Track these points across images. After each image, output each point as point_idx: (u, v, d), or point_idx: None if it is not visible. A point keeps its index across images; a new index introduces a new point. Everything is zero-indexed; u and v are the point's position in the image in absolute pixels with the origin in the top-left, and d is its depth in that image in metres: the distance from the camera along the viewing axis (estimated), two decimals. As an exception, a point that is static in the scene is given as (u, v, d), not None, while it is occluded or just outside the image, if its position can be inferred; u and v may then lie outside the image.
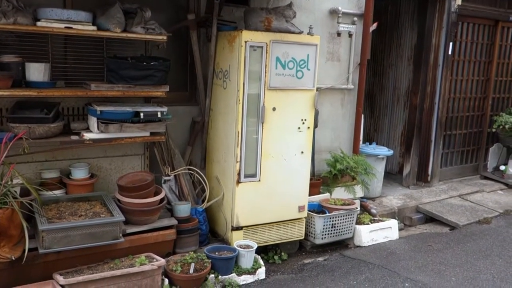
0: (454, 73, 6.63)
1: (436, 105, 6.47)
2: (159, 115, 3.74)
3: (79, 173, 3.73)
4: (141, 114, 3.65)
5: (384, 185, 6.18)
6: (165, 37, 3.71)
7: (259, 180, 4.09)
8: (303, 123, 4.21)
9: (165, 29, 3.79)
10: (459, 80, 6.73)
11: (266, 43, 3.88)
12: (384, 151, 5.95)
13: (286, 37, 3.98)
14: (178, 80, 4.47)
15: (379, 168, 5.85)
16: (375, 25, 5.45)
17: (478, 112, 7.15)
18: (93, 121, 3.58)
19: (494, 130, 7.06)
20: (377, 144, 6.31)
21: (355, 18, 5.25)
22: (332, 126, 5.46)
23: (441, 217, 5.58)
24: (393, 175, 6.95)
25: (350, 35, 5.23)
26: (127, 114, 3.64)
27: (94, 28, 3.43)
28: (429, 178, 6.64)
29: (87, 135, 3.55)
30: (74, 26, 3.33)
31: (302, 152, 4.26)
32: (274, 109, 4.04)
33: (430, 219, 5.75)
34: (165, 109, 3.79)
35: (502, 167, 7.04)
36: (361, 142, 5.69)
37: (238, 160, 3.97)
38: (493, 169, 7.31)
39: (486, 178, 7.19)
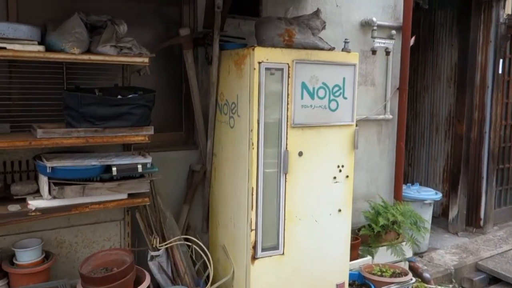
0: (505, 96, 5.52)
1: (487, 134, 5.36)
2: (140, 169, 2.64)
3: (27, 256, 2.60)
4: (114, 170, 2.56)
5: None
6: (146, 60, 2.64)
7: (283, 253, 2.95)
8: (340, 170, 3.09)
9: (150, 49, 2.73)
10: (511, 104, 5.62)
11: (288, 63, 2.81)
12: (431, 194, 4.79)
13: (314, 55, 2.90)
14: (170, 116, 3.41)
15: (426, 216, 4.67)
16: (412, 39, 4.39)
17: (534, 141, 6.00)
18: (43, 182, 2.48)
19: (554, 161, 5.89)
20: (418, 184, 5.15)
21: (393, 32, 4.18)
22: (368, 167, 4.33)
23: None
24: (435, 218, 5.73)
25: (387, 53, 4.16)
26: (92, 171, 2.54)
27: (41, 48, 2.36)
28: (481, 223, 5.46)
29: (34, 203, 2.44)
30: (9, 46, 2.27)
31: (340, 210, 3.13)
32: (300, 153, 2.93)
33: (493, 278, 4.55)
34: (148, 159, 2.69)
35: None
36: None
37: (253, 227, 2.83)
38: (553, 208, 6.09)
39: (547, 219, 5.98)
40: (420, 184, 5.44)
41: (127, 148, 2.98)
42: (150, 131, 2.67)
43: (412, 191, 4.78)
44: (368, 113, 4.22)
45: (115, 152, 2.81)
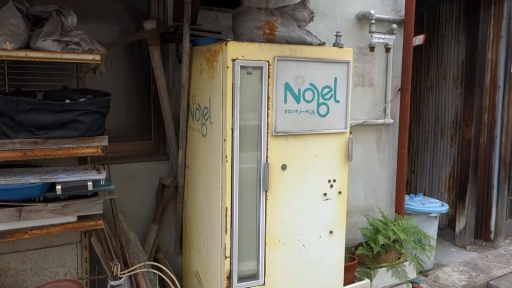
0: (518, 96, 5.08)
1: (498, 138, 4.93)
2: (91, 187, 2.22)
3: (-43, 290, 2.20)
4: (58, 188, 2.14)
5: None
6: (98, 57, 2.22)
7: (264, 284, 2.53)
8: (332, 186, 2.67)
9: (111, 45, 2.33)
10: (524, 105, 5.17)
11: (268, 61, 2.39)
12: (437, 206, 4.35)
13: (300, 51, 2.48)
14: (138, 123, 3.00)
15: (431, 231, 4.23)
16: (422, 38, 3.95)
17: (548, 145, 5.55)
18: (-30, 204, 2.07)
19: None
20: (422, 194, 4.71)
21: (394, 26, 3.74)
22: (366, 177, 3.90)
23: (527, 302, 3.93)
24: (440, 230, 5.27)
25: (387, 49, 3.72)
26: (32, 190, 2.12)
27: (-39, 43, 1.95)
28: (492, 235, 5.02)
29: (-43, 231, 2.03)
30: None
31: (331, 232, 2.71)
32: (284, 167, 2.50)
33: (506, 300, 4.12)
34: (102, 175, 2.27)
35: None
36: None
37: (228, 254, 2.41)
38: None
39: (562, 230, 5.51)
40: (424, 193, 5.03)
41: (83, 161, 2.57)
42: (104, 141, 2.25)
43: (416, 202, 4.34)
44: (366, 117, 3.79)
45: (64, 167, 2.40)
